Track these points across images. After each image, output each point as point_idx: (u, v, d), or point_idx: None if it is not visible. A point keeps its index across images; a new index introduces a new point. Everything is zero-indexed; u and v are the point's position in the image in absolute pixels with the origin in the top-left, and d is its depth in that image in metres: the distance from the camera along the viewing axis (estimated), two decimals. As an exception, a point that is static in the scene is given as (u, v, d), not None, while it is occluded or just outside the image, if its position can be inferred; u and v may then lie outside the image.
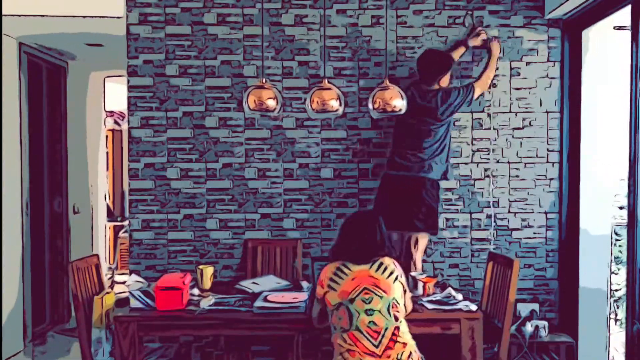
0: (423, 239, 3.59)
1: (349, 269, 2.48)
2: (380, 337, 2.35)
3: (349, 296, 2.41)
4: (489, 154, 3.94)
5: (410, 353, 2.38)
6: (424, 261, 3.89)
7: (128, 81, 3.89)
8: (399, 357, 2.35)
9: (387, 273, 2.46)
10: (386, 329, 2.36)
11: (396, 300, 2.43)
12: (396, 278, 2.48)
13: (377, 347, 2.34)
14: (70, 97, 5.36)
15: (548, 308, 3.94)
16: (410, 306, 2.65)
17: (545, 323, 3.74)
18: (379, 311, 2.38)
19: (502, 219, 3.93)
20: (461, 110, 3.92)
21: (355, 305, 2.39)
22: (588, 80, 3.81)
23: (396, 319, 2.40)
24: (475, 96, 3.64)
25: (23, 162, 4.55)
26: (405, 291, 2.55)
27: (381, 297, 2.40)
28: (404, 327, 2.43)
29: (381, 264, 2.49)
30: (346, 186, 3.92)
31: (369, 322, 2.37)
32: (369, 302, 2.39)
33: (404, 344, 2.38)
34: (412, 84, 3.69)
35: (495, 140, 3.94)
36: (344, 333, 2.39)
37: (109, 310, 2.85)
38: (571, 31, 3.89)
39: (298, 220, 3.92)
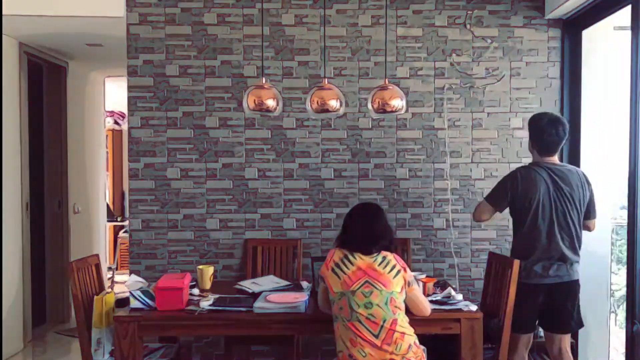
0: None
1: (355, 258, 2.53)
2: (379, 328, 2.41)
3: (350, 288, 2.47)
4: (489, 154, 3.95)
5: (410, 345, 2.43)
6: (424, 261, 3.90)
7: (128, 81, 3.89)
8: (397, 348, 2.40)
9: (388, 268, 2.51)
10: (384, 320, 2.42)
11: (395, 295, 2.48)
12: (397, 272, 2.51)
13: (376, 337, 2.40)
14: (71, 97, 5.36)
15: (548, 308, 3.93)
16: (425, 308, 2.66)
17: (545, 323, 3.73)
18: (378, 304, 2.44)
19: (502, 219, 3.93)
20: (461, 110, 3.94)
21: (355, 298, 2.45)
22: (588, 80, 3.81)
23: (394, 312, 2.45)
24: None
25: (23, 162, 4.55)
26: (409, 285, 2.56)
27: (380, 291, 2.46)
28: (402, 319, 2.47)
29: (384, 258, 2.54)
30: (346, 186, 3.92)
31: (368, 314, 2.43)
32: (369, 296, 2.45)
33: (403, 335, 2.43)
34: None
35: (495, 140, 3.95)
36: (344, 322, 2.46)
37: (109, 310, 2.84)
38: (571, 31, 3.89)
39: (298, 220, 3.92)
